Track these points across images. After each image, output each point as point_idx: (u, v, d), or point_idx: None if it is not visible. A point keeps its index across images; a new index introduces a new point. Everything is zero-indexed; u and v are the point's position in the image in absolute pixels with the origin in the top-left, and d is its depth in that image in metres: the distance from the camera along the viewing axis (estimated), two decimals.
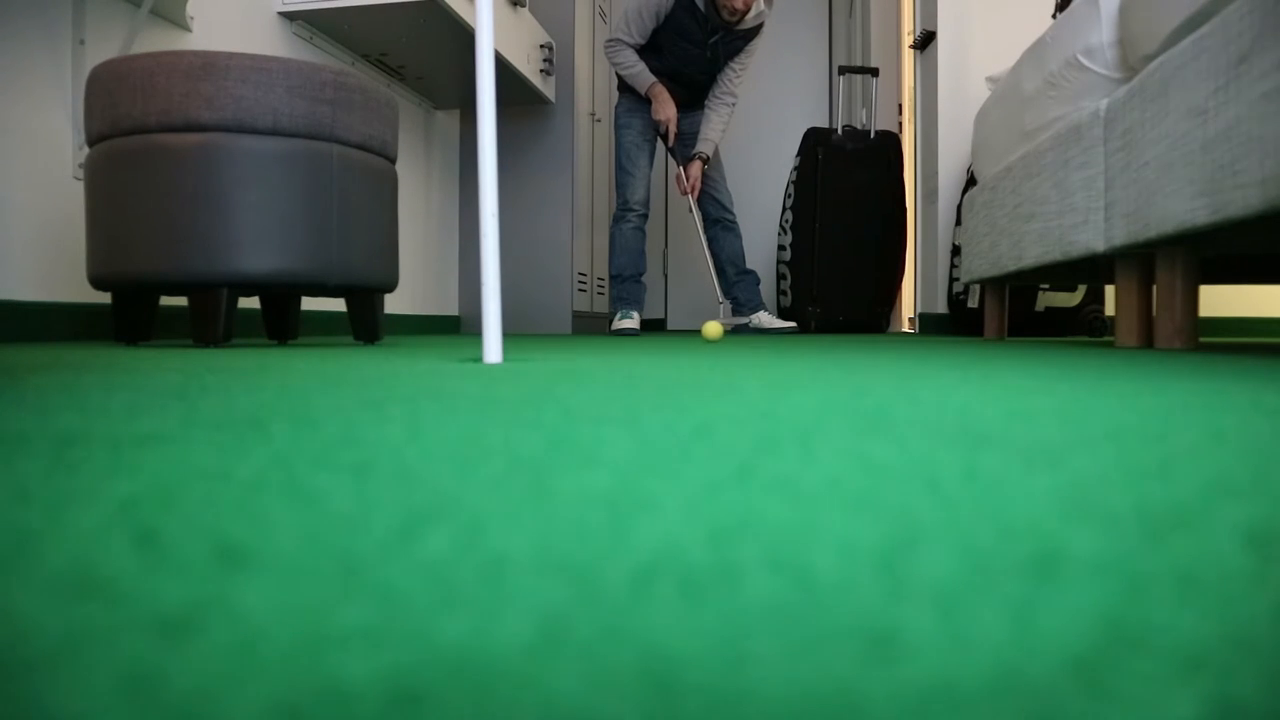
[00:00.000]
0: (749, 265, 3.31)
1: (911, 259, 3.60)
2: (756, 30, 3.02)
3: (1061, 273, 2.10)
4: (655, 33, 3.02)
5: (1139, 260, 1.61)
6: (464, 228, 3.58)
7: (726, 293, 3.22)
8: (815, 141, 3.47)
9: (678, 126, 3.17)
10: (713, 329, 2.00)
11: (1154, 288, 1.55)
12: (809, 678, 0.11)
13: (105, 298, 1.81)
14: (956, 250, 3.01)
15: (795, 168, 3.55)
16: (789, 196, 3.57)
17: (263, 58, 1.46)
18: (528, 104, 3.37)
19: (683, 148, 3.22)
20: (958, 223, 2.97)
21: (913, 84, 3.62)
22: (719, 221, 3.24)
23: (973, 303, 2.91)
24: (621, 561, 0.17)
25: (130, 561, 0.17)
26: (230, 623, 0.13)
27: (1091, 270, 2.04)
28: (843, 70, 3.65)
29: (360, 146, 1.60)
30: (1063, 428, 0.37)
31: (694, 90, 3.18)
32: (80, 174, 1.76)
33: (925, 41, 3.36)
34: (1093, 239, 1.61)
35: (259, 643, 0.12)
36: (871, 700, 0.11)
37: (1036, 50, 1.95)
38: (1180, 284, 1.43)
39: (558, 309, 3.44)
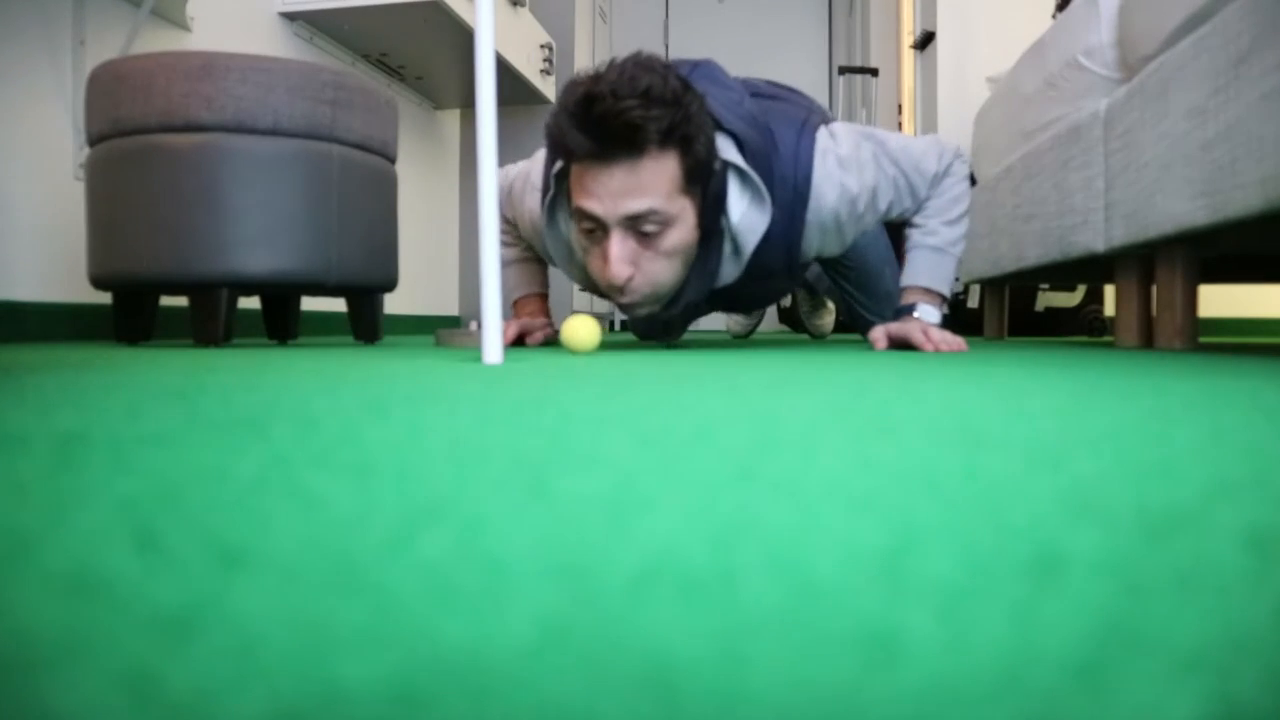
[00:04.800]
0: None
1: None
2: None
3: (1061, 273, 2.10)
4: None
5: (1139, 260, 1.61)
6: (464, 228, 3.58)
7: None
8: None
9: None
10: (583, 333, 1.14)
11: (1154, 288, 1.55)
12: (809, 679, 0.11)
13: (105, 298, 1.81)
14: None
15: None
16: None
17: (263, 58, 1.46)
18: (528, 104, 3.37)
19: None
20: None
21: (913, 84, 3.62)
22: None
23: (973, 303, 2.91)
24: (621, 563, 0.17)
25: (130, 561, 0.17)
26: (230, 623, 0.13)
27: (1091, 270, 2.04)
28: (843, 70, 3.65)
29: (360, 146, 1.60)
30: (1063, 428, 0.37)
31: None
32: (81, 174, 1.76)
33: (925, 41, 3.36)
34: (1092, 239, 1.61)
35: (259, 643, 0.12)
36: (872, 701, 0.11)
37: (1036, 50, 1.95)
38: (1180, 284, 1.43)
39: (558, 309, 3.45)
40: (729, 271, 1.30)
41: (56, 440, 0.33)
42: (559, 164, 1.21)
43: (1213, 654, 0.12)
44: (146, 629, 0.13)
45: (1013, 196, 2.06)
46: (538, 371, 0.78)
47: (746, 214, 1.24)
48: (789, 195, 1.26)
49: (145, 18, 1.80)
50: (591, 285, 1.37)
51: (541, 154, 1.32)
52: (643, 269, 1.16)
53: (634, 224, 1.12)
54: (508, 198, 1.51)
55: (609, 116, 1.05)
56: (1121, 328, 1.66)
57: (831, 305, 2.59)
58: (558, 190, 1.25)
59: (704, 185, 1.17)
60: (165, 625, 0.13)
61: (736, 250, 1.27)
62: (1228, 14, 1.16)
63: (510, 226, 1.58)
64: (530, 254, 1.62)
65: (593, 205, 1.12)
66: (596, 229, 1.15)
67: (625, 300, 1.20)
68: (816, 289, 2.35)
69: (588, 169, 1.12)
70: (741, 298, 1.49)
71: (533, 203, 1.39)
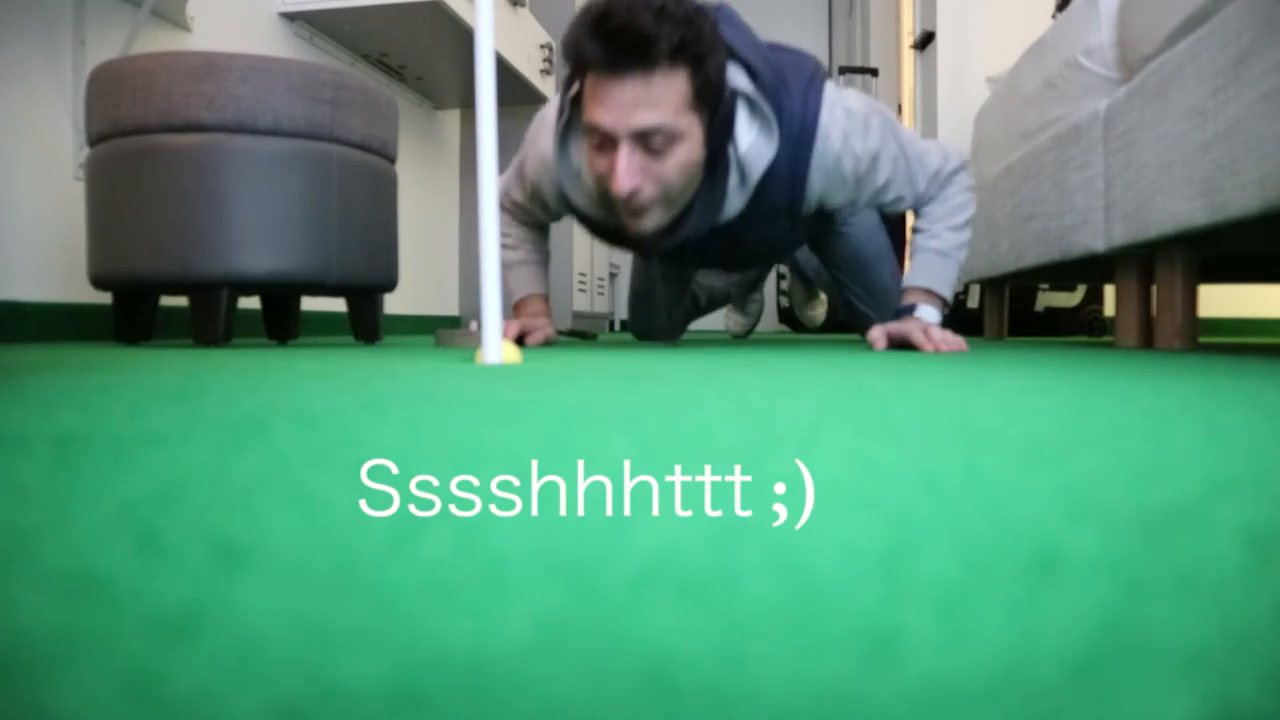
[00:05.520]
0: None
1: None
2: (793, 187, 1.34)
3: (1061, 273, 2.10)
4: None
5: (1139, 260, 1.61)
6: (464, 228, 3.58)
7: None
8: None
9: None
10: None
11: (1154, 288, 1.55)
12: (809, 679, 0.11)
13: (106, 298, 1.81)
14: None
15: None
16: None
17: (263, 58, 1.46)
18: (528, 104, 3.37)
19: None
20: None
21: (913, 84, 3.62)
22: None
23: (973, 303, 2.91)
24: (621, 562, 0.17)
25: (130, 561, 0.17)
26: (230, 623, 0.13)
27: (1091, 270, 2.04)
28: (843, 70, 3.65)
29: (360, 146, 1.60)
30: (1063, 428, 0.37)
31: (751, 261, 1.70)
32: (81, 174, 1.76)
33: (925, 41, 3.36)
34: (1092, 239, 1.61)
35: (259, 643, 0.12)
36: (871, 701, 0.11)
37: (1036, 50, 1.95)
38: (1180, 284, 1.43)
39: (558, 309, 3.44)
40: (734, 203, 1.33)
41: (56, 440, 0.33)
42: (575, 87, 1.24)
43: (1213, 654, 0.12)
44: (146, 629, 0.13)
45: (1013, 196, 2.06)
46: (538, 371, 0.78)
47: (754, 143, 1.27)
48: (795, 130, 1.29)
49: (145, 18, 1.80)
50: (600, 226, 1.43)
51: (557, 99, 1.36)
52: (649, 181, 1.20)
53: (643, 139, 1.17)
54: (518, 171, 1.52)
55: (624, 29, 1.11)
56: (1121, 328, 1.66)
57: (824, 297, 2.60)
58: (572, 114, 1.29)
59: (712, 108, 1.21)
60: (165, 625, 0.13)
61: (743, 180, 1.31)
62: (1228, 14, 1.16)
63: (514, 224, 1.60)
64: (533, 256, 1.63)
65: (603, 117, 1.16)
66: (605, 143, 1.19)
67: (633, 206, 1.22)
68: (814, 281, 2.36)
69: (600, 81, 1.16)
70: (742, 246, 1.50)
71: (545, 142, 1.41)
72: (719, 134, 1.24)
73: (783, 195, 1.35)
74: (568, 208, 1.47)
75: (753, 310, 2.57)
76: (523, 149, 1.51)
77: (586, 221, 1.48)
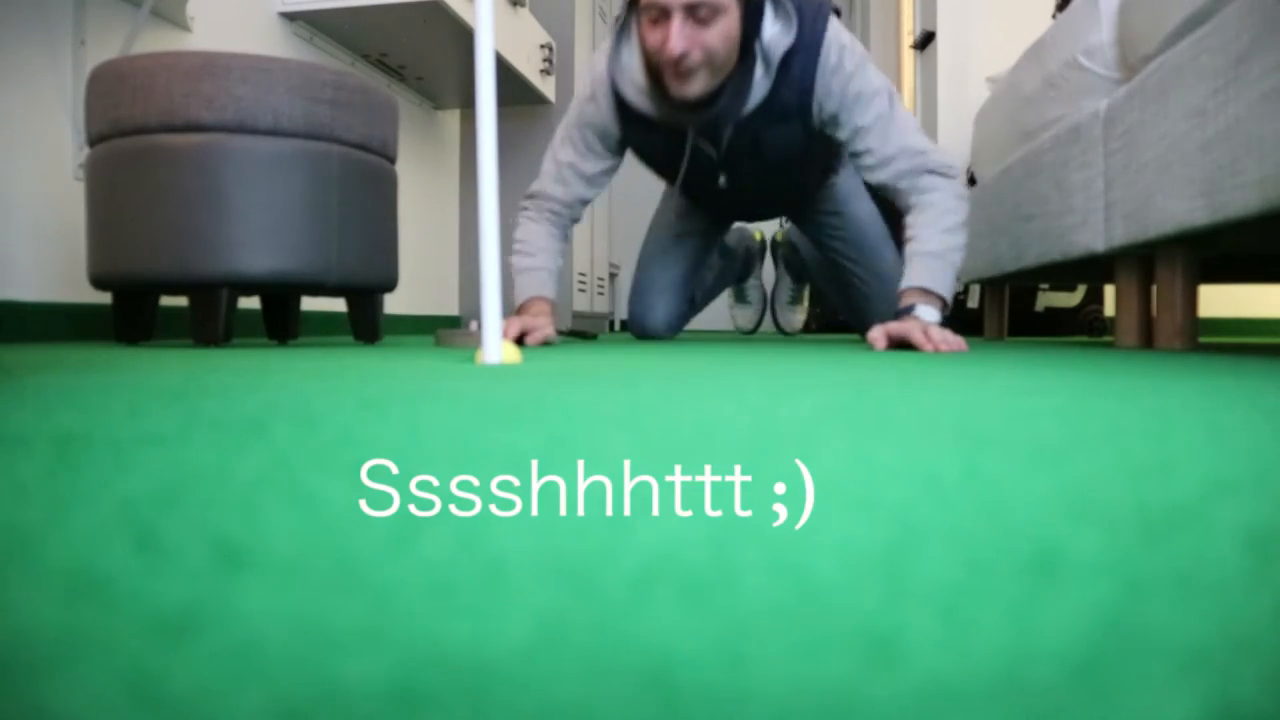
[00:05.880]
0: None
1: None
2: (801, 93, 1.55)
3: (1061, 273, 2.10)
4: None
5: (1139, 260, 1.61)
6: (464, 228, 3.58)
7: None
8: None
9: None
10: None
11: (1154, 288, 1.55)
12: (809, 679, 0.11)
13: (105, 298, 1.81)
14: None
15: None
16: None
17: (263, 58, 1.46)
18: (528, 104, 3.37)
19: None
20: None
21: (913, 84, 3.62)
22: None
23: (973, 303, 2.91)
24: (621, 563, 0.17)
25: (130, 561, 0.17)
26: (230, 623, 0.13)
27: (1091, 270, 2.04)
28: None
29: (360, 146, 1.59)
30: (1063, 428, 0.37)
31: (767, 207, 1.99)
32: (81, 174, 1.76)
33: (925, 41, 3.36)
34: (1092, 239, 1.61)
35: (259, 643, 0.12)
36: (871, 701, 0.11)
37: (1036, 50, 1.95)
38: (1180, 284, 1.43)
39: (558, 309, 3.43)
40: (759, 91, 1.55)
41: (56, 440, 0.33)
42: None
43: (1213, 654, 0.12)
44: (146, 629, 0.13)
45: (1013, 196, 2.06)
46: (538, 371, 0.78)
47: (777, 35, 1.52)
48: (807, 38, 1.53)
49: (145, 18, 1.80)
50: (650, 136, 1.64)
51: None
52: (697, 47, 1.44)
53: (692, 11, 1.43)
54: (565, 124, 1.71)
55: None
56: (1121, 328, 1.66)
57: (805, 304, 2.63)
58: (628, 16, 1.56)
59: None
60: (165, 625, 0.13)
61: (767, 69, 1.53)
62: (1228, 14, 1.16)
63: (540, 228, 1.71)
64: (546, 263, 1.71)
65: None
66: (661, 17, 1.44)
67: (683, 68, 1.46)
68: (807, 274, 2.37)
69: None
70: (764, 160, 1.66)
71: (599, 62, 1.64)
72: (751, 19, 1.48)
73: (794, 95, 1.56)
74: (620, 118, 1.64)
75: (753, 298, 2.60)
76: (571, 107, 1.72)
77: (637, 133, 1.66)
